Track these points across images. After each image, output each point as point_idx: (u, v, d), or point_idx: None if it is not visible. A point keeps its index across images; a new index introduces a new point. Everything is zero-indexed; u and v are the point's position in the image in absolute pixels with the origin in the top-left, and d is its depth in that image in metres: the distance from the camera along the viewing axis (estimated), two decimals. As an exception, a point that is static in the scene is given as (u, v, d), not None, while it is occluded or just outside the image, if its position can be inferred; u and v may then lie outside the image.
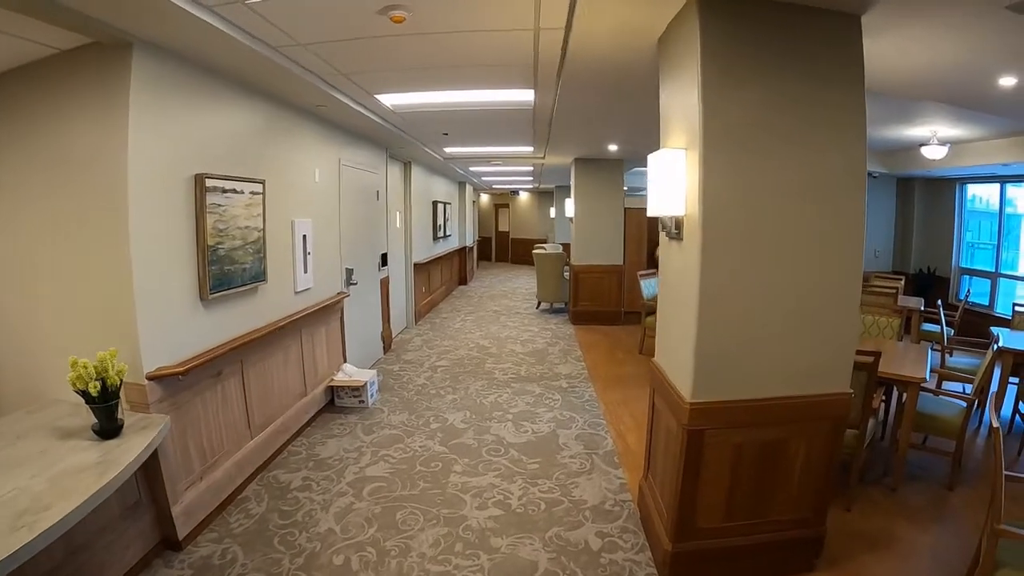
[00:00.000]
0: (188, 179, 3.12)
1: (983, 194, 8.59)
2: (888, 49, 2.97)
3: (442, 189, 11.68)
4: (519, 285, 14.15)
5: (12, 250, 3.02)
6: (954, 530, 3.28)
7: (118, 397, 2.53)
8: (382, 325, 7.17)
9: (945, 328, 5.74)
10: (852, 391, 2.74)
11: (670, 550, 2.73)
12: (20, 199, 2.95)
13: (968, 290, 7.80)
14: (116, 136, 2.69)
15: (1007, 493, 2.28)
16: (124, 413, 2.63)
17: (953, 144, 6.47)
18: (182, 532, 2.99)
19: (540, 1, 2.53)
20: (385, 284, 7.36)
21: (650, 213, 2.92)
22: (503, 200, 20.49)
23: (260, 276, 3.82)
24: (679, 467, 2.63)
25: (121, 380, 2.53)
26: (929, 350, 4.31)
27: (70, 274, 2.89)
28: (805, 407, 2.66)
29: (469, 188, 15.10)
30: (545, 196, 18.44)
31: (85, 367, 2.43)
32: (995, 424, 2.37)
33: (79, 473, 2.20)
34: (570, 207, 9.62)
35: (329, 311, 5.19)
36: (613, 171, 9.17)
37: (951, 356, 5.43)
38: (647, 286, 7.34)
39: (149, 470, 2.87)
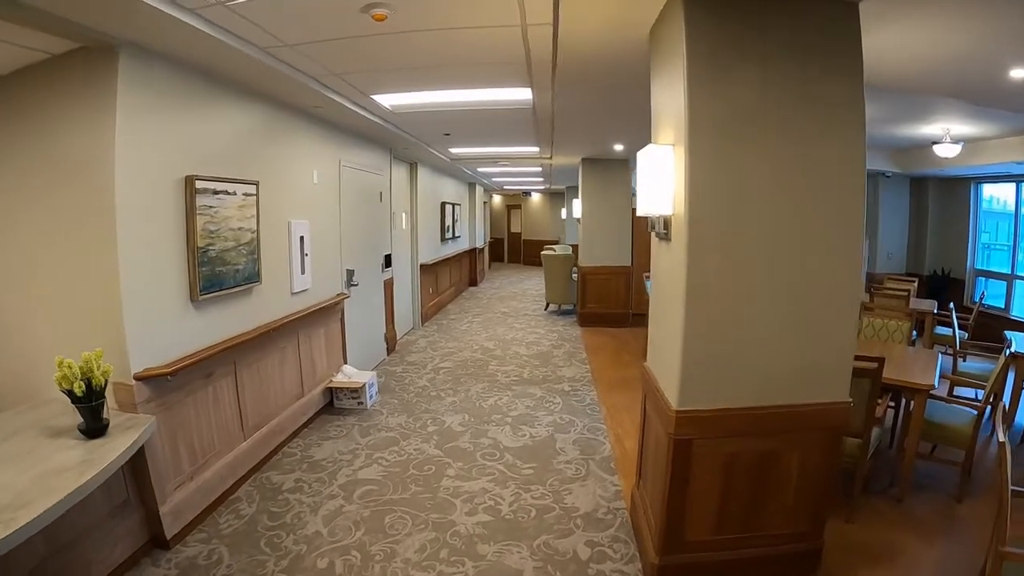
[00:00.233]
0: (178, 181, 3.13)
1: (999, 194, 8.40)
2: (890, 39, 2.89)
3: (451, 190, 11.68)
4: (529, 287, 14.11)
5: (6, 251, 3.05)
6: (961, 545, 3.15)
7: (103, 397, 2.53)
8: (386, 326, 7.18)
9: (958, 331, 5.61)
10: (851, 400, 2.63)
11: (657, 563, 2.67)
12: (14, 201, 2.98)
13: (983, 292, 7.63)
14: (104, 138, 2.70)
15: (1016, 508, 2.17)
16: (111, 413, 2.64)
17: (967, 142, 6.33)
18: (170, 532, 3.00)
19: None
20: (389, 285, 7.36)
21: (640, 213, 2.87)
22: (515, 201, 20.47)
23: (254, 277, 3.83)
24: (666, 477, 2.57)
25: (106, 380, 2.54)
26: (940, 355, 4.20)
27: (62, 274, 2.92)
28: (800, 416, 2.56)
29: (480, 189, 15.10)
30: (557, 197, 18.39)
31: (70, 367, 2.44)
32: (1002, 438, 2.28)
33: (62, 472, 2.20)
34: (577, 207, 9.56)
35: (328, 312, 5.20)
36: (620, 171, 9.10)
37: (964, 361, 5.30)
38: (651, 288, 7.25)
39: (138, 470, 2.88)
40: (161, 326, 3.06)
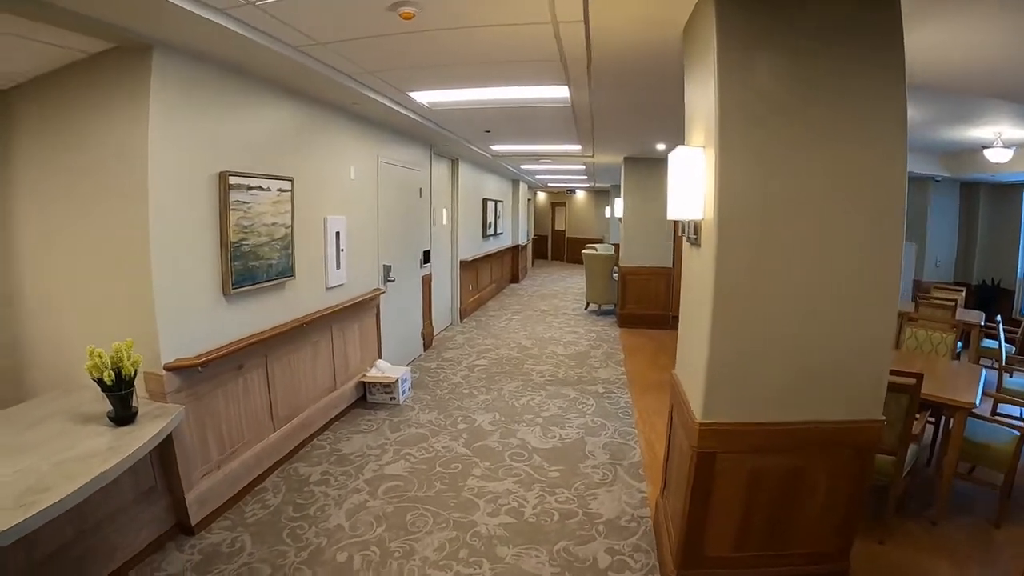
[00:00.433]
0: (211, 177, 3.20)
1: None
2: (933, 36, 2.71)
3: (493, 187, 11.68)
4: (571, 285, 14.01)
5: (46, 243, 3.20)
6: (997, 573, 2.95)
7: (132, 386, 2.61)
8: (423, 322, 7.22)
9: (1005, 345, 5.28)
10: (884, 418, 2.46)
11: (675, 577, 2.59)
12: (50, 195, 3.12)
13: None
14: (138, 135, 2.78)
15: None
16: (140, 402, 2.72)
17: (1020, 147, 5.95)
18: (195, 518, 3.07)
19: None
20: (427, 281, 7.40)
21: (670, 216, 2.78)
22: (560, 199, 20.36)
23: (287, 272, 3.90)
24: (688, 490, 2.48)
25: (136, 370, 2.62)
26: (985, 370, 3.94)
27: (98, 266, 3.03)
28: (829, 434, 2.42)
29: (523, 186, 15.06)
30: (601, 195, 18.22)
31: (100, 356, 2.52)
32: None
33: (88, 458, 2.27)
34: (619, 206, 9.42)
35: (363, 307, 5.25)
36: (662, 170, 8.83)
37: (1010, 377, 4.97)
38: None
39: (165, 457, 2.97)
40: (193, 318, 3.14)
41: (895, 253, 2.32)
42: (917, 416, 3.09)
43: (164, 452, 2.94)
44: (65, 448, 2.33)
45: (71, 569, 2.46)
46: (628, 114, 5.25)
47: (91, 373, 2.53)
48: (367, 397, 5.27)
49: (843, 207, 2.29)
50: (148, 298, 2.87)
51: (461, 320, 9.18)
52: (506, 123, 5.88)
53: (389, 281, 5.90)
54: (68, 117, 2.99)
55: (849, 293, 2.33)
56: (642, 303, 9.07)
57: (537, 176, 13.90)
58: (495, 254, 11.65)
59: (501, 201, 12.29)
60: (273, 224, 3.69)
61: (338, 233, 4.71)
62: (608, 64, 3.47)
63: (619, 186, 9.78)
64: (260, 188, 3.53)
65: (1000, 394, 4.49)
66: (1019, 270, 8.19)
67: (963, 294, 6.96)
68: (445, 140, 6.82)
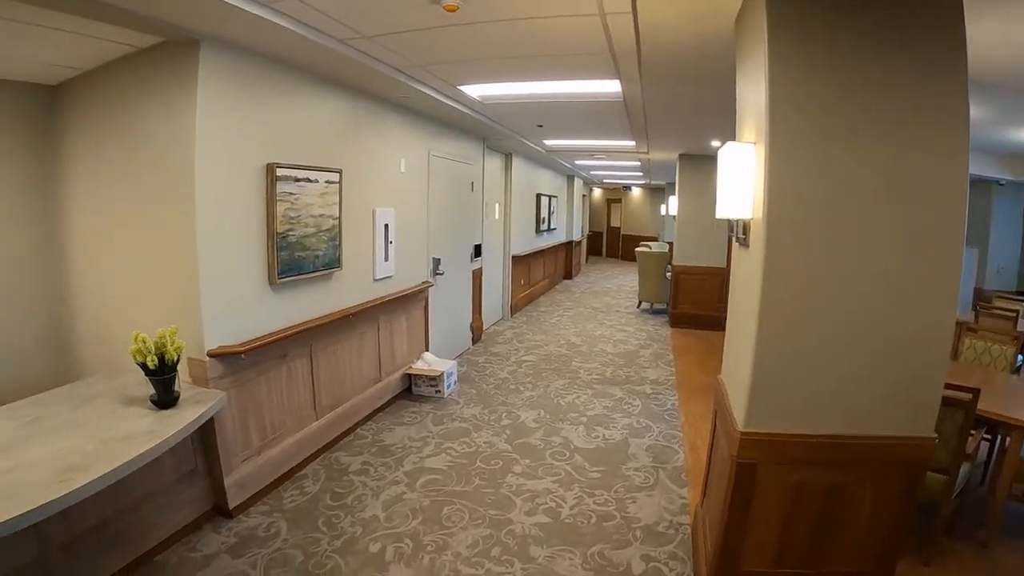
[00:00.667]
0: (259, 168, 3.25)
1: None
2: (996, 29, 2.48)
3: (547, 182, 11.59)
4: (624, 283, 13.77)
5: (95, 230, 3.35)
6: None
7: (175, 371, 2.68)
8: (472, 316, 7.22)
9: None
10: (936, 436, 2.25)
11: (709, 590, 2.46)
12: (102, 184, 3.26)
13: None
14: (186, 126, 2.85)
15: None
16: (183, 386, 2.80)
17: None
18: (233, 502, 3.15)
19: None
20: (478, 275, 7.40)
21: (718, 215, 2.64)
22: (615, 195, 20.08)
23: (334, 263, 3.94)
24: (726, 501, 2.35)
25: (179, 356, 2.68)
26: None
27: (146, 253, 3.14)
28: (876, 450, 2.24)
29: (579, 182, 14.90)
30: (657, 193, 17.83)
31: (144, 342, 2.59)
32: None
33: (128, 439, 2.34)
34: (673, 204, 9.18)
35: (411, 300, 5.28)
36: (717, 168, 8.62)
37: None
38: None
39: (207, 441, 3.05)
40: (238, 307, 3.20)
41: (954, 259, 2.12)
42: (972, 433, 2.86)
43: (206, 436, 3.02)
44: (108, 428, 2.41)
45: (109, 543, 2.55)
46: (682, 109, 5.07)
47: (135, 357, 2.60)
48: (412, 389, 5.30)
49: (899, 209, 2.10)
50: (194, 286, 2.94)
51: (511, 315, 9.15)
52: (558, 118, 5.80)
53: (439, 274, 5.92)
54: (116, 111, 3.11)
55: (904, 301, 2.14)
56: (695, 303, 8.81)
57: (592, 172, 13.71)
58: (548, 250, 11.57)
59: (555, 196, 12.19)
60: (320, 215, 3.73)
61: (387, 225, 4.74)
62: (659, 57, 3.35)
63: (674, 183, 9.53)
64: (308, 180, 3.57)
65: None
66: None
67: (1026, 304, 6.44)
68: (498, 134, 6.78)
